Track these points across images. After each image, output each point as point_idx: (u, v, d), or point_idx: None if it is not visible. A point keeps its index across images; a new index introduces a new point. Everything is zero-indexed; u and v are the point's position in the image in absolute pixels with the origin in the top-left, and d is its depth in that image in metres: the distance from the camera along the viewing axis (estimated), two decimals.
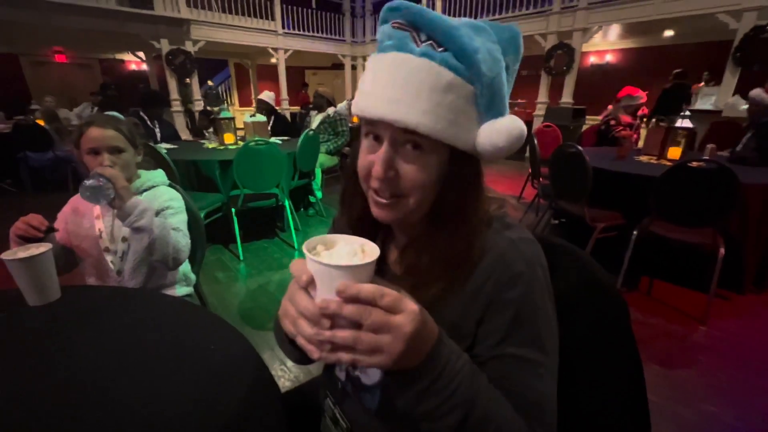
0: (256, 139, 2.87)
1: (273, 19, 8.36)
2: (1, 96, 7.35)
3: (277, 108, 4.55)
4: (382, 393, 0.54)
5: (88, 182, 0.92)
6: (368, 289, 0.35)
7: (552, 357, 0.48)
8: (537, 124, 6.42)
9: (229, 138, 3.44)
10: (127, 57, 9.59)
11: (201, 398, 0.57)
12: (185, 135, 5.48)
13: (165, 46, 6.82)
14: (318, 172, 3.76)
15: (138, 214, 0.99)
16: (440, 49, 0.44)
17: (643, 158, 2.82)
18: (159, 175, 1.21)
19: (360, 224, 0.57)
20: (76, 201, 1.13)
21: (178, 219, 1.15)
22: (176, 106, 7.19)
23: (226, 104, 10.30)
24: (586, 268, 0.57)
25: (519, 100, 7.85)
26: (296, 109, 8.44)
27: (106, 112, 1.15)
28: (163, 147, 3.13)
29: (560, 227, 3.27)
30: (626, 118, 3.51)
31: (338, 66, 10.85)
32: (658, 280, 2.36)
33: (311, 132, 3.31)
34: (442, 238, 0.49)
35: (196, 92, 7.60)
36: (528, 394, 0.45)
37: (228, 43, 7.86)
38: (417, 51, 0.44)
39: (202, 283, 1.40)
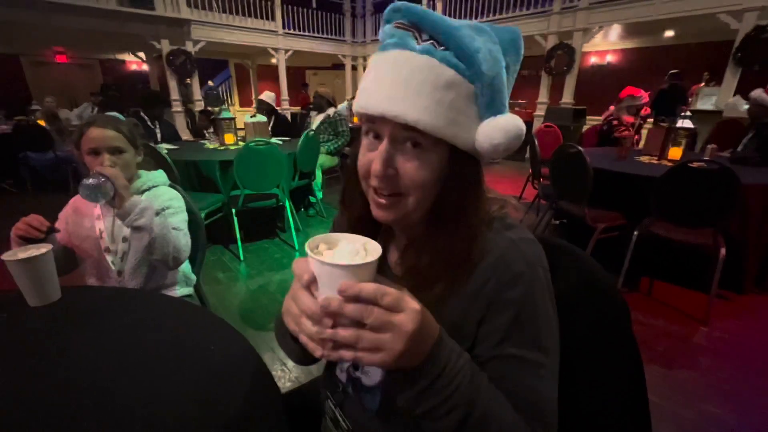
0: (257, 139, 2.87)
1: (273, 19, 8.37)
2: (1, 96, 7.36)
3: (277, 108, 4.55)
4: (383, 394, 0.53)
5: (88, 181, 0.92)
6: (370, 288, 0.36)
7: (553, 358, 0.48)
8: (537, 124, 6.42)
9: (229, 138, 3.44)
10: (128, 57, 9.61)
11: (201, 399, 0.57)
12: (186, 135, 5.47)
13: (165, 46, 6.83)
14: (318, 172, 3.76)
15: (138, 212, 0.99)
16: (441, 48, 0.44)
17: (644, 158, 2.82)
18: (160, 176, 1.21)
19: (360, 224, 0.57)
20: (76, 201, 1.13)
21: (179, 218, 1.15)
22: (177, 106, 7.19)
23: (226, 104, 10.30)
24: (587, 268, 0.57)
25: (520, 101, 7.85)
26: (297, 109, 8.45)
27: (107, 113, 1.15)
28: (164, 147, 3.13)
29: (561, 228, 3.27)
30: (628, 119, 3.51)
31: (339, 66, 10.86)
32: (659, 281, 2.35)
33: (311, 132, 3.31)
34: (442, 239, 0.49)
35: (197, 93, 7.61)
36: (529, 394, 0.45)
37: (228, 43, 7.87)
38: (418, 48, 0.44)
39: (202, 283, 1.40)
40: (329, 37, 9.57)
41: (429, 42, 0.45)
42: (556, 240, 0.60)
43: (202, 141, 3.91)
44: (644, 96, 3.47)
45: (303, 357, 0.57)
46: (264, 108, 4.27)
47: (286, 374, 1.65)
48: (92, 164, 1.04)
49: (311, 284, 0.39)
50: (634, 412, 0.55)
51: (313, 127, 3.99)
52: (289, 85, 9.04)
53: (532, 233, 0.52)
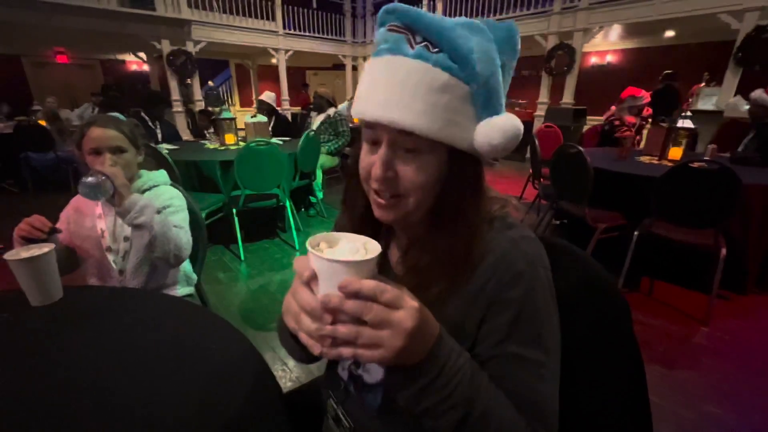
0: (257, 139, 2.88)
1: (274, 19, 8.37)
2: (2, 96, 7.37)
3: (278, 108, 4.55)
4: (385, 392, 0.54)
5: (87, 179, 0.92)
6: (369, 284, 0.36)
7: (554, 357, 0.48)
8: (538, 124, 6.42)
9: (230, 138, 3.44)
10: (129, 58, 9.61)
11: (202, 398, 0.57)
12: (186, 135, 5.48)
13: (166, 46, 6.84)
14: (319, 172, 3.76)
15: (138, 210, 0.99)
16: (435, 50, 0.44)
17: (644, 159, 2.82)
18: (161, 175, 1.22)
19: (362, 224, 0.58)
20: (77, 201, 1.14)
21: (180, 217, 1.15)
22: (177, 106, 7.20)
23: (227, 105, 10.31)
24: (587, 268, 0.57)
25: (520, 101, 7.84)
26: (297, 109, 8.45)
27: (108, 113, 1.15)
28: (164, 147, 3.13)
29: (561, 228, 3.26)
30: (630, 119, 3.51)
31: (339, 66, 10.86)
32: (660, 281, 2.35)
33: (312, 132, 3.31)
34: (443, 238, 0.49)
35: (197, 93, 7.62)
36: (529, 393, 0.45)
37: (229, 43, 7.87)
38: (411, 53, 0.44)
39: (203, 283, 1.41)
40: (329, 37, 9.57)
41: (423, 44, 0.44)
42: (557, 240, 0.60)
43: (202, 141, 3.92)
44: (646, 96, 3.47)
45: (304, 356, 0.57)
46: (264, 108, 4.27)
47: (287, 374, 1.65)
48: (93, 164, 1.05)
49: (311, 281, 0.39)
50: (634, 412, 0.55)
51: (314, 127, 3.99)
52: (289, 86, 9.04)
53: (533, 233, 0.52)
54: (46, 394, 0.57)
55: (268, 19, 8.28)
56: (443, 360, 0.40)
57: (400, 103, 0.43)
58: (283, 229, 3.36)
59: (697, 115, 4.83)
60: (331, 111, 4.08)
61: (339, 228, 0.66)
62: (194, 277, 1.34)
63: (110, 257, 1.10)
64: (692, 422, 1.38)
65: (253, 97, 10.63)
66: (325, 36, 9.47)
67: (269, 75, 10.71)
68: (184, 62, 6.98)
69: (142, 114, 3.68)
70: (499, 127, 0.44)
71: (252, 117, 3.90)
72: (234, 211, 2.75)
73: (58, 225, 1.09)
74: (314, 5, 9.27)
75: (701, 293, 2.14)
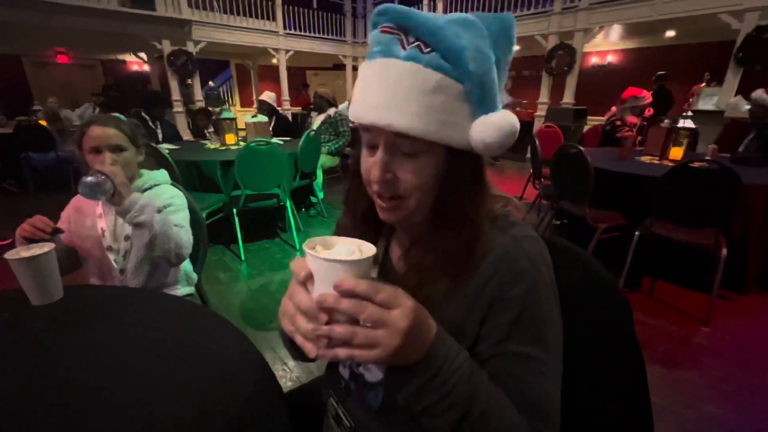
0: (258, 139, 2.88)
1: (274, 19, 8.37)
2: (3, 97, 7.38)
3: (278, 108, 4.56)
4: (386, 391, 0.54)
5: (87, 179, 0.92)
6: (364, 284, 0.36)
7: (556, 356, 0.48)
8: (538, 124, 6.41)
9: (230, 138, 3.44)
10: (129, 58, 9.62)
11: (203, 398, 0.57)
12: (187, 135, 5.48)
13: (167, 46, 6.84)
14: (319, 172, 3.76)
15: (138, 209, 0.99)
16: (427, 50, 0.43)
17: (645, 159, 2.82)
18: (161, 175, 1.22)
19: (364, 223, 0.58)
20: (78, 200, 1.14)
21: (180, 216, 1.15)
22: (178, 106, 7.20)
23: (227, 105, 10.31)
24: (588, 267, 0.57)
25: (523, 101, 7.83)
26: (297, 109, 8.45)
27: (109, 113, 1.16)
28: (165, 147, 3.13)
29: (562, 228, 3.26)
30: (632, 119, 3.50)
31: (339, 66, 10.85)
32: (660, 281, 2.35)
33: (312, 132, 3.31)
34: (444, 237, 0.49)
35: (198, 93, 7.62)
36: (530, 392, 0.45)
37: (229, 43, 7.87)
38: (403, 55, 0.44)
39: (203, 283, 1.41)
40: (330, 37, 9.57)
41: (415, 45, 0.44)
42: (557, 239, 0.60)
43: (203, 141, 3.92)
44: (647, 96, 3.46)
45: (304, 355, 0.57)
46: (265, 108, 4.28)
47: (288, 374, 1.65)
48: (93, 163, 1.05)
49: (308, 281, 0.40)
50: (635, 412, 0.55)
51: (314, 127, 3.99)
52: (289, 86, 9.04)
53: (535, 232, 0.52)
54: (46, 394, 0.57)
55: (268, 19, 8.28)
56: (441, 359, 0.40)
57: (394, 106, 0.43)
58: (283, 229, 3.36)
59: (698, 115, 4.83)
60: (332, 111, 4.08)
61: (341, 227, 0.66)
62: (195, 276, 1.34)
63: (111, 256, 1.10)
64: (693, 422, 1.38)
65: (254, 97, 10.63)
66: (326, 36, 9.47)
67: (270, 75, 10.71)
68: (185, 62, 6.99)
69: (143, 114, 3.69)
70: (494, 125, 0.44)
71: (252, 117, 3.90)
72: (234, 211, 2.76)
73: (59, 225, 1.09)
74: (314, 5, 9.28)
75: (702, 293, 2.14)
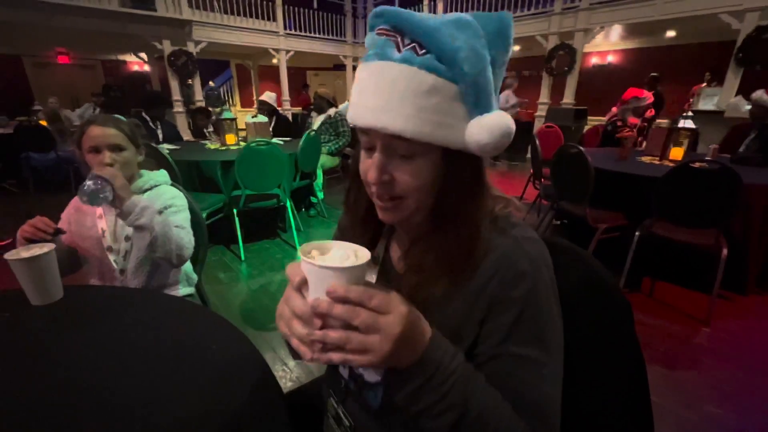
0: (258, 139, 2.88)
1: (274, 20, 8.37)
2: (4, 97, 7.38)
3: (278, 109, 4.56)
4: (385, 391, 0.54)
5: (86, 185, 0.93)
6: (357, 290, 0.37)
7: (556, 357, 0.48)
8: (538, 124, 6.41)
9: (230, 139, 3.45)
10: (130, 58, 9.62)
11: (203, 398, 0.57)
12: (187, 136, 5.48)
13: (167, 47, 6.84)
14: (319, 172, 3.76)
15: (138, 212, 0.99)
16: (422, 52, 0.43)
17: (646, 159, 2.82)
18: (162, 175, 1.22)
19: (364, 224, 0.58)
20: (78, 201, 1.14)
21: (181, 217, 1.15)
22: (178, 107, 7.21)
23: (227, 105, 10.31)
24: (588, 267, 0.56)
25: (525, 100, 7.81)
26: (298, 109, 8.46)
27: (109, 114, 1.16)
28: (165, 148, 3.14)
29: (562, 228, 3.26)
30: (633, 120, 3.50)
31: (339, 67, 10.86)
32: (661, 281, 2.35)
33: (313, 132, 3.31)
34: (444, 238, 0.49)
35: (198, 93, 7.62)
36: (530, 393, 0.45)
37: (230, 44, 7.87)
38: (397, 57, 0.44)
39: (203, 283, 1.41)
40: (330, 37, 9.57)
41: (410, 46, 0.44)
42: (557, 239, 0.60)
43: (203, 141, 3.92)
44: (649, 96, 3.46)
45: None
46: (265, 108, 4.28)
47: (288, 374, 1.65)
48: (93, 162, 1.05)
49: (302, 286, 0.40)
50: (635, 412, 0.55)
51: (314, 127, 3.99)
52: (290, 86, 9.04)
53: (536, 233, 0.52)
54: (46, 394, 0.57)
55: (268, 19, 8.28)
56: (436, 363, 0.40)
57: (389, 109, 0.43)
58: (283, 229, 3.36)
59: (698, 116, 4.83)
60: (332, 111, 4.08)
61: (341, 228, 0.66)
62: (195, 277, 1.34)
63: (111, 257, 1.10)
64: (693, 422, 1.38)
65: (254, 97, 10.63)
66: (326, 36, 9.47)
67: (270, 75, 10.71)
68: (185, 62, 6.99)
69: (143, 114, 3.69)
70: (487, 127, 0.44)
71: (253, 117, 3.90)
72: (235, 211, 2.76)
73: (60, 225, 1.09)
74: (315, 6, 9.27)
75: (702, 293, 2.13)
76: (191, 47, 7.16)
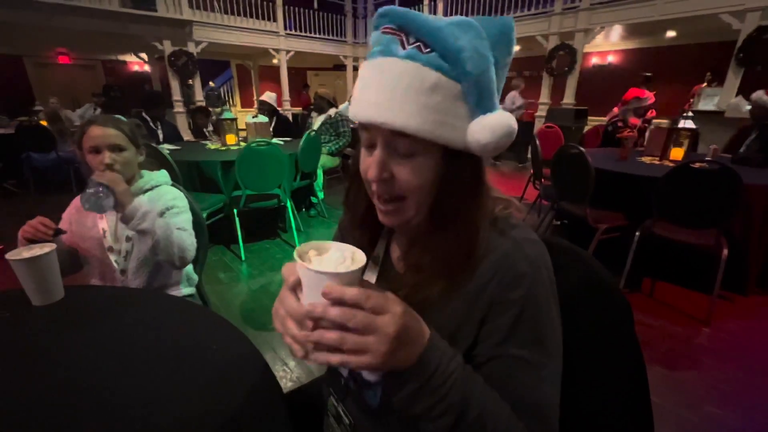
0: (258, 139, 2.88)
1: (275, 20, 8.37)
2: (5, 97, 7.39)
3: (279, 109, 4.56)
4: (384, 390, 0.54)
5: (88, 194, 0.93)
6: (353, 291, 0.37)
7: (555, 359, 0.48)
8: (539, 124, 6.41)
9: (231, 139, 3.45)
10: (130, 58, 9.62)
11: (203, 398, 0.57)
12: (188, 136, 5.49)
13: (167, 47, 6.84)
14: (320, 172, 3.76)
15: (140, 216, 1.00)
16: (426, 51, 0.44)
17: (646, 159, 2.81)
18: (162, 175, 1.22)
19: (364, 224, 0.58)
20: (79, 201, 1.14)
21: (183, 218, 1.15)
22: (179, 107, 7.21)
23: (228, 105, 10.32)
24: (588, 267, 0.56)
25: (530, 100, 7.80)
26: (298, 110, 8.47)
27: (109, 114, 1.16)
28: (166, 148, 3.14)
29: (562, 228, 3.26)
30: (635, 120, 3.49)
31: (340, 67, 10.85)
32: (661, 282, 2.35)
33: (313, 133, 3.31)
34: (442, 238, 0.49)
35: (199, 93, 7.63)
36: (529, 395, 0.45)
37: (230, 44, 7.87)
38: (402, 54, 0.44)
39: (203, 283, 1.41)
40: (330, 37, 9.57)
41: (415, 45, 0.44)
42: (558, 239, 0.60)
43: (203, 141, 3.92)
44: (650, 97, 3.45)
45: None
46: (265, 108, 4.28)
47: (288, 374, 1.65)
48: (93, 162, 1.05)
49: (297, 287, 0.41)
50: (635, 412, 0.55)
51: (315, 127, 3.99)
52: (290, 86, 9.04)
53: (536, 234, 0.52)
54: (46, 394, 0.57)
55: (269, 19, 8.28)
56: (434, 365, 0.40)
57: (392, 104, 0.43)
58: (284, 229, 3.36)
59: (699, 116, 4.82)
60: (332, 111, 4.08)
61: (341, 227, 0.66)
62: (195, 277, 1.34)
63: (112, 257, 1.11)
64: (693, 423, 1.38)
65: (254, 97, 10.64)
66: (326, 36, 9.47)
67: (270, 75, 10.72)
68: (186, 63, 6.99)
69: (144, 114, 3.69)
70: (489, 126, 0.44)
71: (253, 117, 3.90)
72: (235, 211, 2.76)
73: (61, 225, 1.10)
74: (315, 6, 9.28)
75: (703, 294, 2.13)
76: (192, 47, 7.16)
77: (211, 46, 7.59)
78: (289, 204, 2.98)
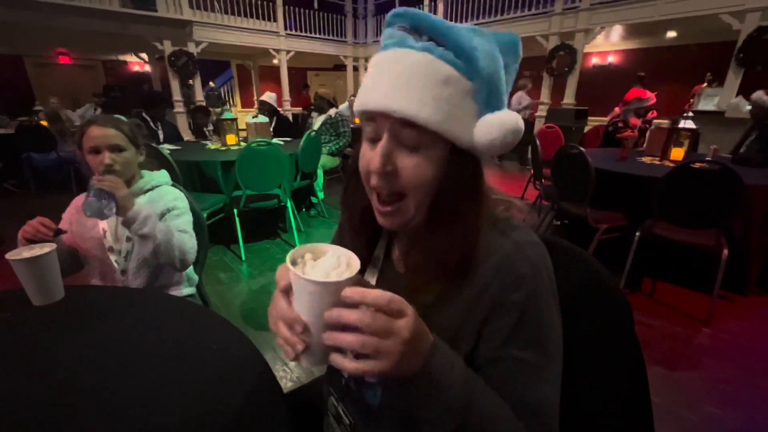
0: (259, 139, 2.88)
1: (275, 20, 8.38)
2: (5, 97, 7.39)
3: (279, 109, 4.56)
4: (384, 390, 0.54)
5: (90, 201, 0.93)
6: (374, 293, 0.36)
7: (555, 360, 0.48)
8: (539, 125, 6.41)
9: (231, 139, 3.45)
10: (130, 58, 9.63)
11: (204, 398, 0.57)
12: (188, 136, 5.49)
13: (168, 47, 6.85)
14: (320, 172, 3.76)
15: (141, 221, 1.00)
16: (440, 47, 0.45)
17: (646, 159, 2.81)
18: (162, 176, 1.22)
19: (363, 225, 0.57)
20: (79, 201, 1.14)
21: (184, 220, 1.15)
22: (179, 107, 7.21)
23: (228, 105, 10.32)
24: (588, 267, 0.57)
25: (538, 101, 7.78)
26: (298, 110, 8.46)
27: (110, 114, 1.16)
28: (166, 148, 3.14)
29: (562, 228, 3.26)
30: (635, 121, 3.49)
31: (340, 67, 10.86)
32: (661, 282, 2.35)
33: (313, 133, 3.31)
34: (442, 239, 0.49)
35: (199, 93, 7.63)
36: (530, 397, 0.45)
37: (230, 44, 7.88)
38: (417, 46, 0.45)
39: (204, 283, 1.41)
40: (331, 38, 9.57)
41: (429, 42, 0.45)
42: (558, 239, 0.60)
43: (204, 141, 3.93)
44: (651, 97, 3.44)
45: None
46: (266, 109, 4.28)
47: (288, 374, 1.65)
48: (93, 163, 1.05)
49: (288, 290, 0.41)
50: (635, 412, 0.55)
51: (315, 127, 3.99)
52: (290, 86, 9.04)
53: (537, 236, 0.52)
54: (46, 394, 0.57)
55: (269, 19, 8.29)
56: (439, 371, 0.40)
57: (405, 93, 0.44)
58: (284, 229, 3.36)
59: (699, 116, 4.82)
60: (332, 111, 4.08)
61: (341, 227, 0.66)
62: (195, 277, 1.34)
63: (112, 257, 1.11)
64: (693, 423, 1.38)
65: (255, 97, 10.64)
66: (327, 37, 9.47)
67: (270, 75, 10.72)
68: (186, 63, 6.99)
69: (144, 114, 3.69)
70: (498, 123, 0.45)
71: (253, 117, 3.90)
72: (235, 211, 2.76)
73: (61, 225, 1.10)
74: (315, 6, 9.28)
75: (703, 294, 2.13)
76: (192, 47, 7.16)
77: (211, 46, 7.60)
78: (289, 204, 2.99)
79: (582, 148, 2.27)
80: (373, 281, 0.57)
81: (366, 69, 0.52)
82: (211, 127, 4.12)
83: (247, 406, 0.56)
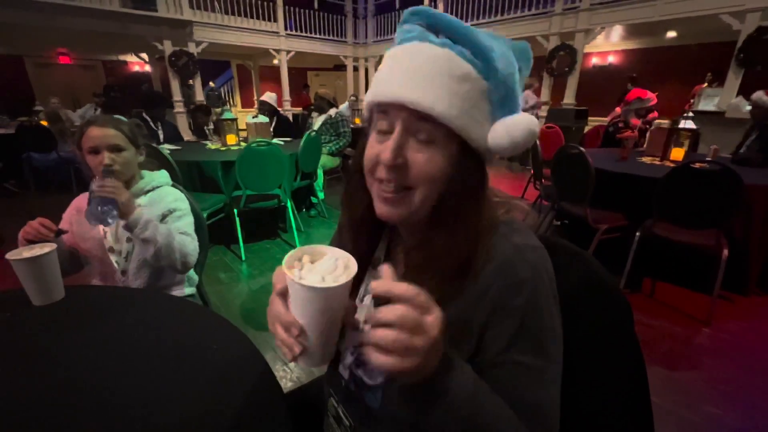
0: (259, 140, 2.88)
1: (275, 20, 8.38)
2: (5, 97, 7.40)
3: (279, 109, 4.56)
4: (384, 393, 0.54)
5: (92, 209, 0.94)
6: (402, 287, 0.35)
7: (556, 362, 0.48)
8: (539, 125, 6.40)
9: (231, 139, 3.45)
10: (131, 58, 9.63)
11: (204, 398, 0.57)
12: (188, 136, 5.49)
13: (168, 47, 6.85)
14: (320, 173, 3.76)
15: (143, 225, 1.00)
16: (458, 45, 0.46)
17: (646, 159, 2.81)
18: (162, 176, 1.22)
19: (363, 225, 0.57)
20: (79, 201, 1.14)
21: (185, 222, 1.15)
22: (179, 107, 7.22)
23: (228, 105, 10.32)
24: (588, 267, 0.56)
25: (544, 100, 7.76)
26: (298, 110, 8.46)
27: (110, 114, 1.16)
28: (166, 148, 3.14)
29: (562, 228, 3.26)
30: (636, 121, 3.49)
31: (340, 67, 10.87)
32: (661, 282, 2.35)
33: (313, 133, 3.32)
34: (443, 240, 0.49)
35: (199, 93, 7.63)
36: (531, 400, 0.45)
37: (230, 44, 7.89)
38: (437, 41, 0.46)
39: (204, 283, 1.41)
40: (331, 38, 9.58)
41: (446, 39, 0.46)
42: (558, 239, 0.60)
43: (204, 142, 3.93)
44: (653, 97, 3.44)
45: None
46: (266, 109, 4.28)
47: (288, 374, 1.65)
48: (93, 163, 1.05)
49: (285, 292, 0.41)
50: (635, 412, 0.55)
51: (315, 127, 3.99)
52: (290, 86, 9.05)
53: (538, 239, 0.52)
54: (46, 394, 0.57)
55: (269, 20, 8.29)
56: (450, 379, 0.39)
57: (422, 85, 0.44)
58: (284, 229, 3.36)
59: (699, 116, 4.82)
60: (332, 112, 4.08)
61: (340, 226, 0.66)
62: (195, 277, 1.34)
63: (112, 258, 1.11)
64: (693, 423, 1.38)
65: (255, 97, 10.65)
66: (327, 37, 9.48)
67: (270, 76, 10.72)
68: (186, 63, 7.00)
69: (144, 115, 3.70)
70: (521, 125, 0.46)
71: (253, 117, 3.90)
72: (235, 211, 2.76)
73: (61, 225, 1.10)
74: (315, 6, 9.29)
75: (703, 294, 2.13)
76: (192, 48, 7.17)
77: (211, 47, 7.60)
78: (289, 204, 2.99)
79: (582, 148, 2.27)
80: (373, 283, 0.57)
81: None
82: (211, 126, 4.12)
83: (247, 406, 0.56)
